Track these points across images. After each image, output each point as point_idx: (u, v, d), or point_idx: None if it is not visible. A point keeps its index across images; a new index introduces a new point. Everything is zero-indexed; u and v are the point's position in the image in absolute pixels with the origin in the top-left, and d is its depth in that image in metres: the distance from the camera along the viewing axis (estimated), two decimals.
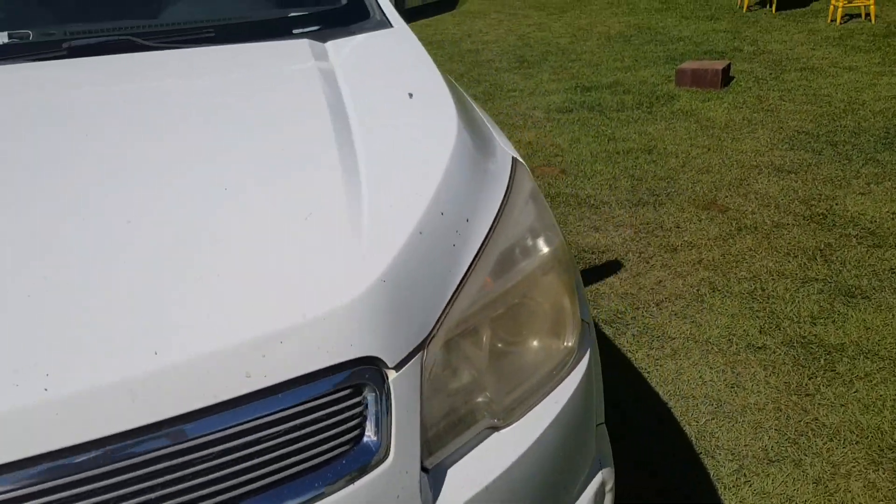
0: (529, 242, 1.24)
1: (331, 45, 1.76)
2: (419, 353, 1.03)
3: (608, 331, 3.00)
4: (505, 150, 1.43)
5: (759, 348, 2.82)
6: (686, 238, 3.74)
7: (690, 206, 4.10)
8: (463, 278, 1.11)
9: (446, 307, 1.08)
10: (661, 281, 3.36)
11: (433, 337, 1.05)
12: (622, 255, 3.62)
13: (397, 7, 2.22)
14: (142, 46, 1.75)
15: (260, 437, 0.91)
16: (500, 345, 1.17)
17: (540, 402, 1.17)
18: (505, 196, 1.27)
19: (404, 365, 1.00)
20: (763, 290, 3.22)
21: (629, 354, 2.84)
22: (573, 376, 1.22)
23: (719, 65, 6.24)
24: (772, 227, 3.80)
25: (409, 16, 2.25)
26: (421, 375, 1.03)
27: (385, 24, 1.92)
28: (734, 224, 3.86)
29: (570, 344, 1.23)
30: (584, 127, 5.54)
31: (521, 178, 1.35)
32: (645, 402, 2.56)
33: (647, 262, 3.53)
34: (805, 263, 3.41)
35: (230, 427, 0.89)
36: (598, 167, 4.75)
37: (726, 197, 4.19)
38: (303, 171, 1.19)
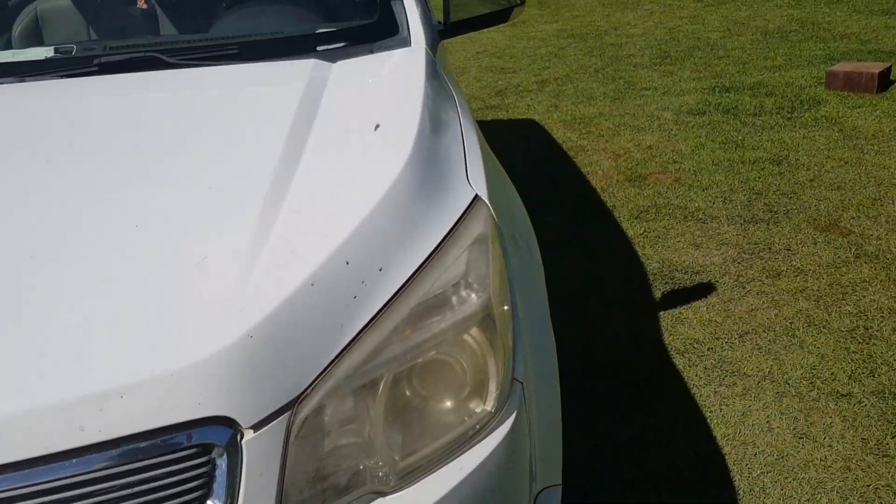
0: (455, 294, 1.17)
1: (338, 66, 1.74)
2: (285, 414, 0.99)
3: (679, 361, 2.81)
4: (470, 189, 1.35)
5: (844, 396, 2.55)
6: (794, 263, 3.44)
7: (808, 227, 3.76)
8: (360, 332, 1.06)
9: (331, 364, 1.03)
10: (753, 309, 3.11)
11: (305, 396, 1.01)
12: (717, 277, 3.38)
13: (444, 20, 2.17)
14: (165, 63, 1.80)
15: (93, 492, 0.91)
16: (402, 404, 1.11)
17: (440, 468, 1.10)
18: (441, 242, 1.20)
19: (264, 426, 0.97)
20: (866, 328, 2.91)
21: (694, 389, 2.65)
22: (487, 442, 1.14)
23: (877, 67, 5.68)
24: None
25: (455, 29, 2.19)
26: (286, 437, 0.99)
27: (407, 41, 1.88)
28: (853, 250, 3.50)
29: (488, 407, 1.15)
30: (712, 132, 5.22)
31: (471, 221, 1.27)
32: (697, 444, 2.38)
33: (743, 288, 3.28)
34: None
35: (60, 479, 0.90)
36: (717, 177, 4.46)
37: (852, 218, 3.81)
38: (223, 209, 1.18)
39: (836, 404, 2.52)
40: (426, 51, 1.81)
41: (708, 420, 2.50)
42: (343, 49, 1.87)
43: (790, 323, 2.99)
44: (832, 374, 2.67)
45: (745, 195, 4.19)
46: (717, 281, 3.35)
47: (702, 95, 6.06)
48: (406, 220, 1.20)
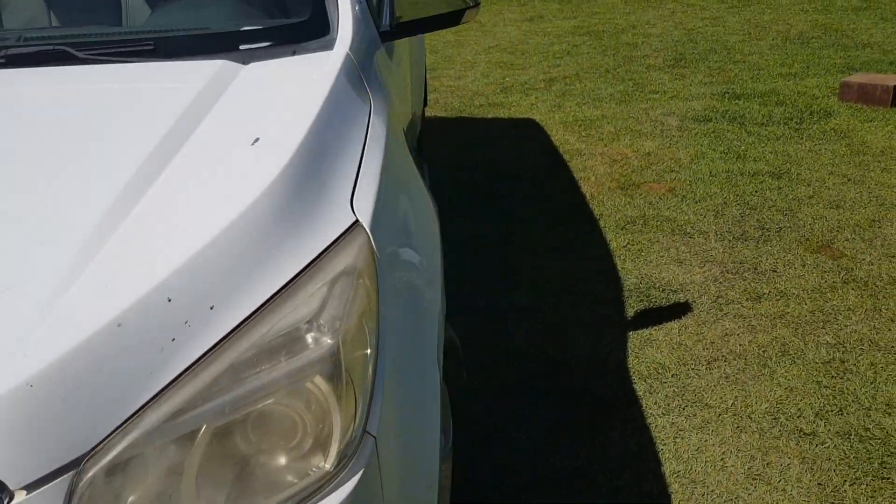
0: (300, 336, 1.05)
1: (248, 69, 1.63)
2: (69, 473, 0.88)
3: (640, 387, 2.68)
4: (350, 215, 1.23)
5: (807, 435, 2.40)
6: (778, 285, 3.28)
7: (799, 248, 3.60)
8: (175, 380, 0.95)
9: (133, 416, 0.92)
10: (726, 334, 2.96)
11: (96, 453, 0.90)
12: (696, 297, 3.24)
13: (390, 21, 2.05)
14: (74, 58, 1.70)
15: None
16: (225, 461, 1.00)
17: None
18: (296, 276, 1.09)
19: (40, 487, 0.86)
20: (842, 361, 2.75)
21: (650, 419, 2.52)
22: None
23: (893, 80, 5.46)
24: (887, 283, 3.25)
25: (402, 30, 2.07)
26: (68, 499, 0.88)
27: (333, 43, 1.76)
28: (842, 275, 3.34)
29: (327, 465, 1.03)
30: (715, 140, 5.04)
31: (340, 252, 1.15)
32: (644, 480, 2.25)
33: (721, 310, 3.13)
34: None
35: None
36: (713, 189, 4.29)
37: (846, 240, 3.64)
38: (52, 229, 1.07)
39: (797, 444, 2.37)
40: (347, 55, 1.68)
41: (659, 453, 2.37)
42: (265, 49, 1.75)
43: (763, 351, 2.85)
44: (798, 409, 2.52)
45: (738, 210, 4.03)
46: (695, 301, 3.21)
47: (710, 101, 5.87)
48: (259, 251, 1.08)
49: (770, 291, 3.25)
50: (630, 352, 2.89)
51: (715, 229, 3.83)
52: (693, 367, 2.78)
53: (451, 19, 2.09)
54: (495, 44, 8.49)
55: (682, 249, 3.65)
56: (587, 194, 4.36)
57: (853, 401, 2.55)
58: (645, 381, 2.72)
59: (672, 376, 2.73)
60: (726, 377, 2.71)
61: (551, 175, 4.66)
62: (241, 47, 1.76)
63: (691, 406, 2.57)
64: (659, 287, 3.33)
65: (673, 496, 2.20)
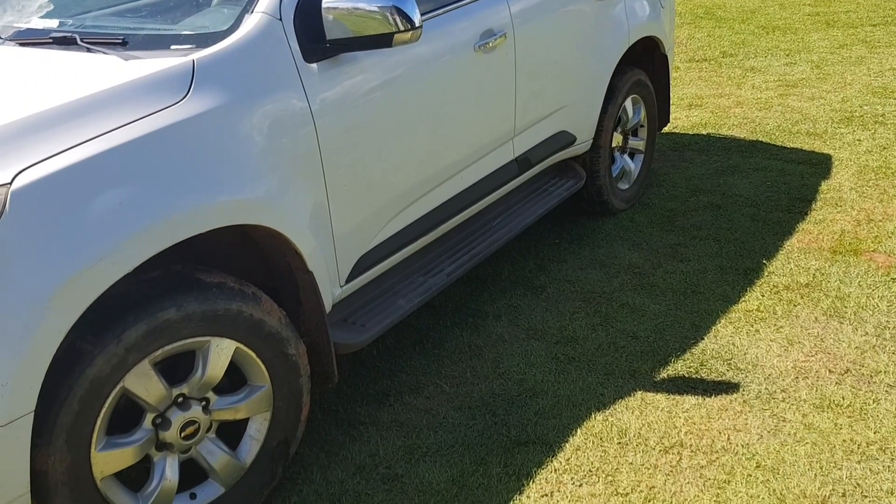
0: None
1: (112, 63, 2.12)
2: None
3: (579, 440, 2.54)
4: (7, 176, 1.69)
5: None
6: (872, 404, 2.68)
7: None
8: None
9: None
10: (735, 429, 2.58)
11: None
12: (753, 385, 2.82)
13: (317, 36, 2.31)
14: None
15: None
16: None
17: None
18: None
19: None
20: None
21: (558, 474, 2.42)
22: None
23: None
24: None
25: (335, 49, 2.32)
26: None
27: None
28: None
29: None
30: None
31: None
32: None
33: (763, 406, 2.70)
34: None
35: None
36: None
37: None
38: None
39: None
40: (190, 62, 2.06)
41: None
42: (168, 49, 2.20)
43: (760, 461, 2.44)
44: None
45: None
46: (745, 388, 2.80)
47: None
48: None
49: (852, 404, 2.67)
50: (603, 409, 2.71)
51: (881, 322, 3.16)
52: (651, 446, 2.52)
53: (384, 41, 2.28)
54: None
55: (809, 331, 3.12)
56: (789, 248, 3.84)
57: None
58: (592, 437, 2.57)
59: (618, 444, 2.54)
60: (672, 467, 2.43)
61: (771, 220, 4.15)
62: (172, 47, 2.24)
63: (597, 480, 2.39)
64: (726, 360, 2.96)
65: None
